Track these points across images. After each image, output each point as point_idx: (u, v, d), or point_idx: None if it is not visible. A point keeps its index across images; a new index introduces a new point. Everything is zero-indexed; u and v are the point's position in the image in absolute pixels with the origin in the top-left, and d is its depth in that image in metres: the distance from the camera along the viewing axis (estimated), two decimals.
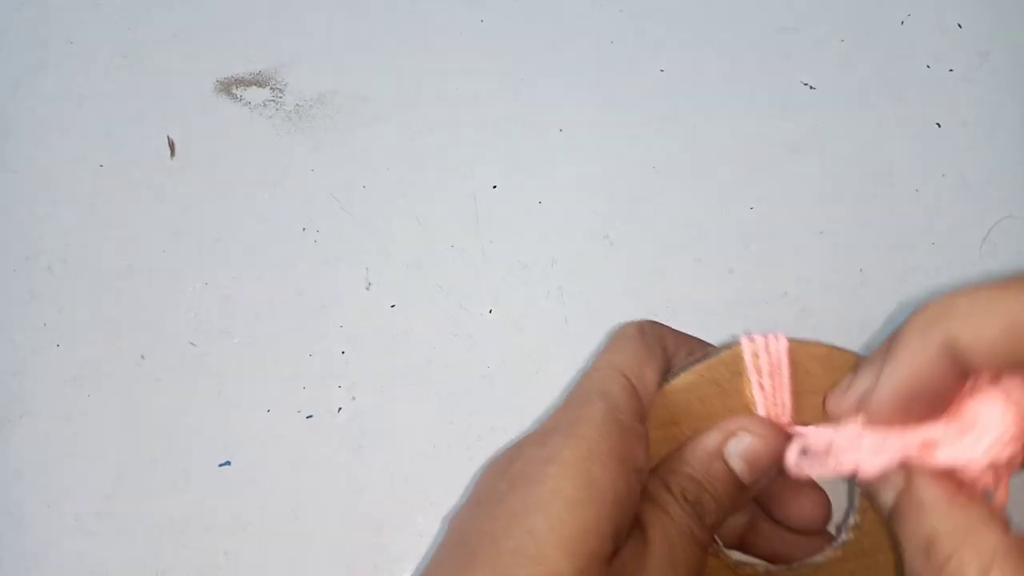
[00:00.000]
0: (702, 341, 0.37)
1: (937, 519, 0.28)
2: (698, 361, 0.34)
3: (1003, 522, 0.27)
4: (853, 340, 0.47)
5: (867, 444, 0.30)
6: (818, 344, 0.34)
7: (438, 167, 0.51)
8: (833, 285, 0.48)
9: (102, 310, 0.49)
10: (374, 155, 0.51)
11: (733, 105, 0.51)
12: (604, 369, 0.34)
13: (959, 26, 0.52)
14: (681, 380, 0.34)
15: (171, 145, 0.51)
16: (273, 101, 0.52)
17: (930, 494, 0.28)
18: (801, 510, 0.36)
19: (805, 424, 0.34)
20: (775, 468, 0.33)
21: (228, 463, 0.46)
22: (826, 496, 0.36)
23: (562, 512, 0.28)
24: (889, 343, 0.30)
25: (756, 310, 0.48)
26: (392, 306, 0.49)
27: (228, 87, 0.52)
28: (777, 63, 0.52)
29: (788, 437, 0.33)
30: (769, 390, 0.34)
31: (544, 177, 0.50)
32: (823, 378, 0.33)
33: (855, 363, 0.33)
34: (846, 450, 0.31)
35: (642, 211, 0.50)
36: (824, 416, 0.33)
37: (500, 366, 0.47)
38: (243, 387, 0.47)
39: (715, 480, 0.33)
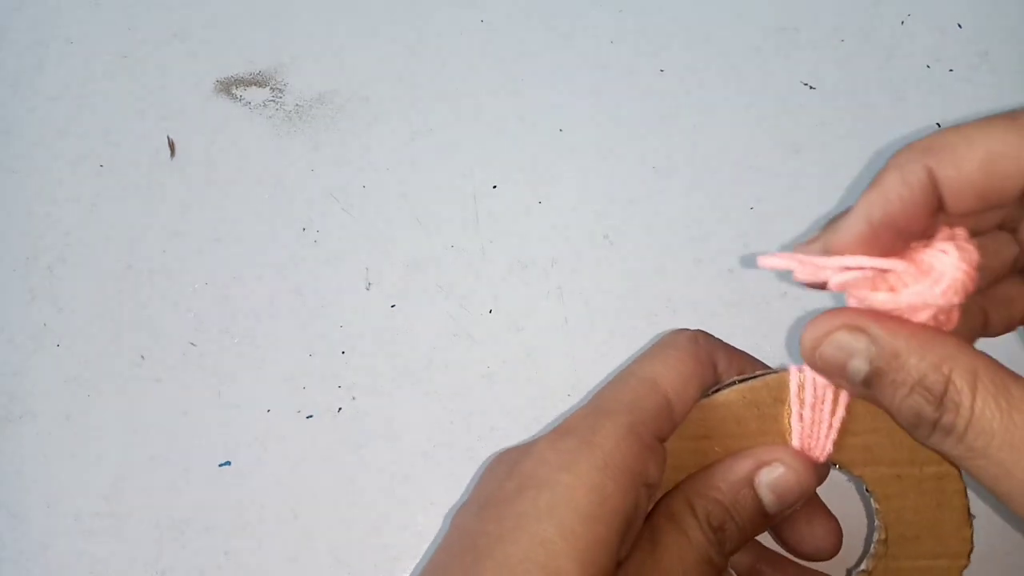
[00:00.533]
0: (758, 361, 0.36)
1: (917, 359, 0.27)
2: (743, 380, 0.34)
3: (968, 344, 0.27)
4: None
5: (832, 262, 0.29)
6: None
7: (438, 167, 0.51)
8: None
9: (102, 310, 0.49)
10: (374, 155, 0.51)
11: (733, 105, 0.51)
12: (641, 378, 0.33)
13: (959, 26, 0.52)
14: (721, 396, 0.34)
15: (171, 145, 0.51)
16: (273, 101, 0.52)
17: (901, 340, 0.27)
18: (813, 537, 0.36)
19: (836, 462, 0.34)
20: (801, 502, 0.33)
21: (228, 463, 0.46)
22: (837, 524, 0.36)
23: (575, 524, 0.28)
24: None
25: (756, 310, 0.48)
26: (392, 306, 0.49)
27: (228, 87, 0.52)
28: (777, 63, 0.52)
29: (819, 474, 0.33)
30: (808, 423, 0.33)
31: (544, 177, 0.50)
32: (866, 421, 0.33)
33: None
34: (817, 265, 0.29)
35: (642, 211, 0.50)
36: (860, 458, 0.33)
37: (500, 366, 0.47)
38: (243, 387, 0.47)
39: (742, 508, 0.32)
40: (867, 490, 0.34)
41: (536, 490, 0.29)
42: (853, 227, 0.28)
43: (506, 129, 0.51)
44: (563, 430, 0.31)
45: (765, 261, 0.30)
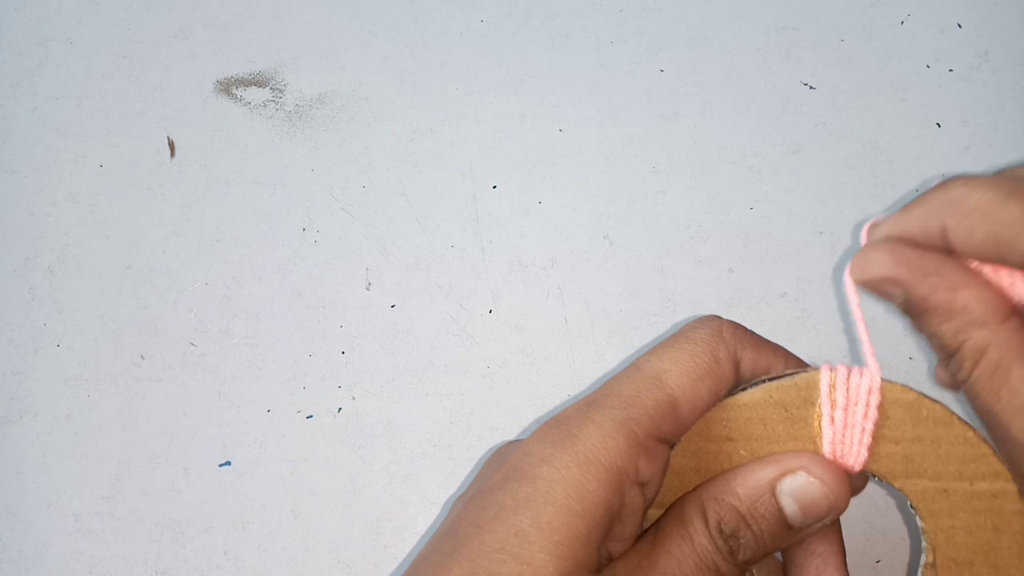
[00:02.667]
0: (792, 356, 0.34)
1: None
2: (771, 379, 0.31)
3: None
4: (853, 342, 0.47)
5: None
6: (906, 389, 0.30)
7: (438, 167, 0.51)
8: (833, 285, 0.48)
9: (102, 310, 0.49)
10: (374, 155, 0.51)
11: (733, 105, 0.51)
12: (645, 373, 0.31)
13: (959, 26, 0.52)
14: (747, 395, 0.31)
15: (171, 145, 0.51)
16: (273, 101, 0.52)
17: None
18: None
19: (874, 472, 0.31)
20: (832, 517, 0.31)
21: (228, 463, 0.46)
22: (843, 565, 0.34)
23: (551, 517, 0.27)
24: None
25: (756, 310, 0.48)
26: (392, 306, 0.49)
27: (228, 87, 0.52)
28: (777, 63, 0.52)
29: (851, 484, 0.31)
30: (840, 427, 0.30)
31: (544, 177, 0.50)
32: (906, 427, 0.30)
33: (944, 418, 0.30)
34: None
35: (642, 211, 0.50)
36: (900, 469, 0.31)
37: (500, 366, 0.47)
38: (243, 387, 0.47)
39: (760, 517, 0.30)
40: (911, 506, 0.31)
41: (517, 482, 0.29)
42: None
43: (506, 129, 0.51)
44: (553, 422, 0.30)
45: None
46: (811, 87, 0.51)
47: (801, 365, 0.33)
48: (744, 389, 0.32)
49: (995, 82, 0.51)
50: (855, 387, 0.30)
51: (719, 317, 0.33)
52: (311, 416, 0.47)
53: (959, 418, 0.30)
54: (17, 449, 0.47)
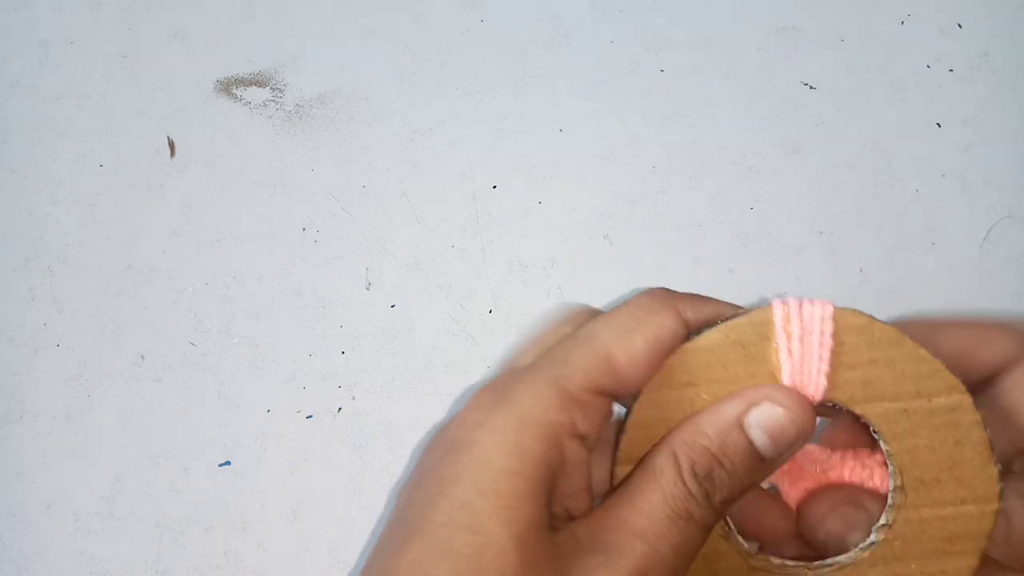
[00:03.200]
0: (734, 306, 0.34)
1: None
2: (725, 321, 0.31)
3: None
4: None
5: None
6: (857, 313, 0.31)
7: (438, 167, 0.51)
8: (833, 285, 0.48)
9: (102, 310, 0.49)
10: (374, 155, 0.51)
11: (733, 105, 0.51)
12: (576, 335, 0.31)
13: (959, 26, 0.52)
14: (703, 339, 0.31)
15: (171, 145, 0.51)
16: (273, 101, 0.52)
17: None
18: (761, 521, 0.34)
19: (834, 400, 0.31)
20: (800, 444, 0.31)
21: (228, 463, 0.46)
22: (789, 509, 0.34)
23: (493, 481, 0.27)
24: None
25: None
26: (392, 306, 0.49)
27: (228, 87, 0.52)
28: (777, 63, 0.52)
29: (815, 410, 0.31)
30: (798, 358, 0.31)
31: (544, 177, 0.50)
32: (861, 351, 0.30)
33: (896, 339, 0.30)
34: None
35: (642, 211, 0.50)
36: (860, 394, 0.31)
37: (500, 366, 0.47)
38: (243, 387, 0.47)
39: (732, 453, 0.30)
40: (874, 431, 0.31)
41: (456, 453, 0.28)
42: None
43: (506, 129, 0.51)
44: (486, 388, 0.30)
45: None
46: (811, 87, 0.51)
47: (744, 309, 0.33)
48: (700, 334, 0.31)
49: (995, 82, 0.51)
50: (808, 317, 0.30)
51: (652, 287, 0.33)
52: (311, 416, 0.47)
53: (910, 338, 0.30)
54: (17, 449, 0.47)
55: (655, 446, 0.31)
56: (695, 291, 0.46)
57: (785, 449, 0.30)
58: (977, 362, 0.31)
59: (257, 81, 0.52)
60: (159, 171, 0.51)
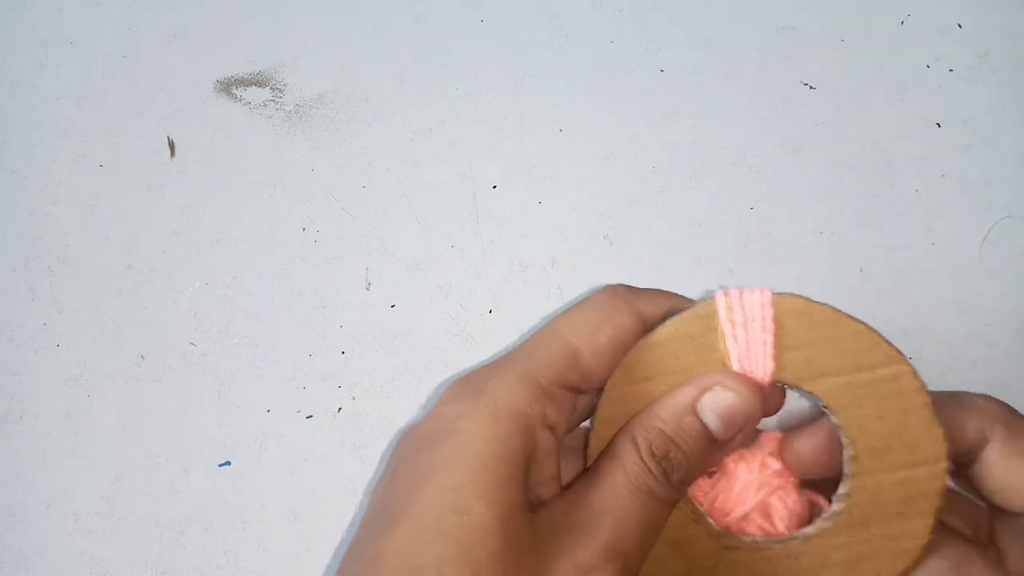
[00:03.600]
0: (688, 300, 0.36)
1: None
2: (674, 316, 0.33)
3: None
4: None
5: None
6: (795, 297, 0.33)
7: (438, 167, 0.51)
8: (833, 285, 0.48)
9: (102, 310, 0.49)
10: (374, 155, 0.51)
11: (733, 105, 0.51)
12: (543, 331, 0.33)
13: (959, 26, 0.52)
14: (655, 335, 0.33)
15: (171, 145, 0.51)
16: (273, 101, 0.52)
17: None
18: (807, 453, 0.36)
19: (782, 381, 0.33)
20: (751, 425, 0.33)
21: (228, 463, 0.46)
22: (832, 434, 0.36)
23: (479, 466, 0.29)
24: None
25: None
26: (392, 306, 0.49)
27: (228, 87, 0.52)
28: (777, 63, 0.52)
29: (764, 393, 0.33)
30: (744, 344, 0.32)
31: (544, 177, 0.50)
32: (802, 333, 0.32)
33: (833, 317, 0.32)
34: None
35: (642, 211, 0.50)
36: (805, 373, 0.32)
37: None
38: (243, 387, 0.47)
39: (686, 435, 0.32)
40: (823, 406, 0.33)
41: (439, 443, 0.30)
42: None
43: (506, 129, 0.51)
44: (461, 382, 0.32)
45: None
46: (811, 87, 0.51)
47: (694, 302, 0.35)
48: (652, 331, 0.33)
49: (995, 82, 0.51)
50: (749, 304, 0.32)
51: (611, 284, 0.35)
52: (311, 416, 0.47)
53: (847, 315, 0.32)
54: (17, 449, 0.47)
55: (617, 432, 0.33)
56: (696, 291, 0.47)
57: (736, 430, 0.32)
58: (957, 440, 0.33)
59: (257, 81, 0.52)
60: (159, 171, 0.51)
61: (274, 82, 0.52)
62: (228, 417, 0.47)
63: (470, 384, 0.31)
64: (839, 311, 0.32)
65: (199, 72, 0.53)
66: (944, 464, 0.32)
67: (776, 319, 0.32)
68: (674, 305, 0.34)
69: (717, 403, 0.32)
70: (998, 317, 0.48)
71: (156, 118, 0.52)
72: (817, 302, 0.32)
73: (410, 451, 0.31)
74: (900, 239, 0.49)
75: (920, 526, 0.32)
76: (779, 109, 0.51)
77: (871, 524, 0.32)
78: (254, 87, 0.52)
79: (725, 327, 0.32)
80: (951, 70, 0.51)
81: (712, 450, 0.33)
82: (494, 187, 0.50)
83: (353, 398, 0.47)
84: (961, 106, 0.51)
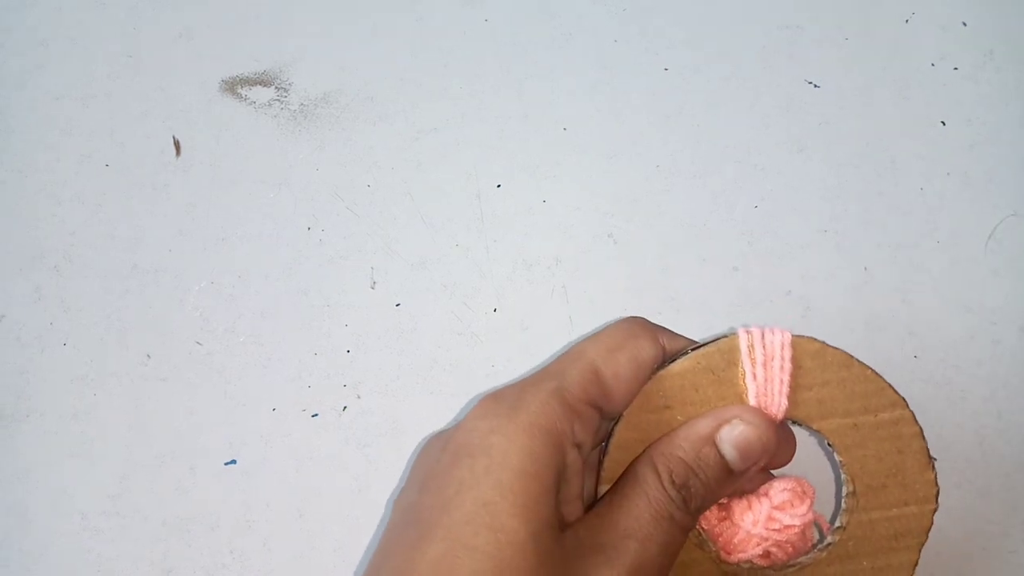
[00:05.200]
0: (694, 342, 0.37)
1: None
2: (695, 348, 0.35)
3: None
4: (858, 339, 0.47)
5: None
6: (812, 340, 0.34)
7: (442, 166, 0.51)
8: (837, 283, 0.48)
9: (108, 309, 0.49)
10: (379, 154, 0.51)
11: (737, 104, 0.51)
12: (568, 353, 0.34)
13: (964, 24, 0.52)
14: (677, 365, 0.35)
15: (176, 144, 0.51)
16: (278, 100, 0.52)
17: None
18: None
19: (794, 418, 0.35)
20: (765, 459, 0.34)
21: (234, 461, 0.46)
22: (791, 432, 0.37)
23: (513, 482, 0.29)
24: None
25: (760, 308, 0.48)
26: (397, 305, 0.49)
27: (233, 87, 0.52)
28: (781, 61, 0.52)
29: (779, 429, 0.34)
30: (762, 381, 0.34)
31: (548, 176, 0.50)
32: (816, 374, 0.34)
33: (846, 361, 0.34)
34: None
35: (646, 209, 0.50)
36: (816, 412, 0.34)
37: (505, 364, 0.48)
38: (249, 386, 0.47)
39: (705, 465, 0.33)
40: (828, 444, 0.35)
41: (472, 457, 0.30)
42: None
43: (510, 128, 0.51)
44: (492, 398, 0.32)
45: None
46: (815, 85, 0.51)
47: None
48: (673, 361, 0.35)
49: (1000, 80, 0.51)
50: (770, 344, 0.34)
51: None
52: (316, 415, 0.47)
53: (858, 360, 0.34)
54: (23, 448, 0.47)
55: (638, 458, 0.34)
56: (700, 290, 0.47)
57: (751, 463, 0.34)
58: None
59: (262, 81, 0.52)
60: (164, 170, 0.51)
61: (279, 81, 0.52)
62: (234, 416, 0.47)
63: (502, 400, 0.32)
64: (852, 356, 0.34)
65: (204, 72, 0.53)
66: (933, 505, 0.34)
67: (794, 359, 0.34)
68: (688, 342, 0.36)
69: (736, 436, 0.33)
70: (1002, 315, 0.48)
71: (161, 117, 0.52)
72: (832, 346, 0.34)
73: (442, 463, 0.31)
74: (904, 237, 0.49)
75: (905, 560, 0.35)
76: (783, 107, 0.51)
77: (862, 556, 0.35)
78: (259, 87, 0.52)
79: (746, 364, 0.34)
80: (955, 68, 0.51)
81: (727, 480, 0.34)
82: (498, 186, 0.50)
83: (358, 396, 0.47)
84: (965, 104, 0.51)
